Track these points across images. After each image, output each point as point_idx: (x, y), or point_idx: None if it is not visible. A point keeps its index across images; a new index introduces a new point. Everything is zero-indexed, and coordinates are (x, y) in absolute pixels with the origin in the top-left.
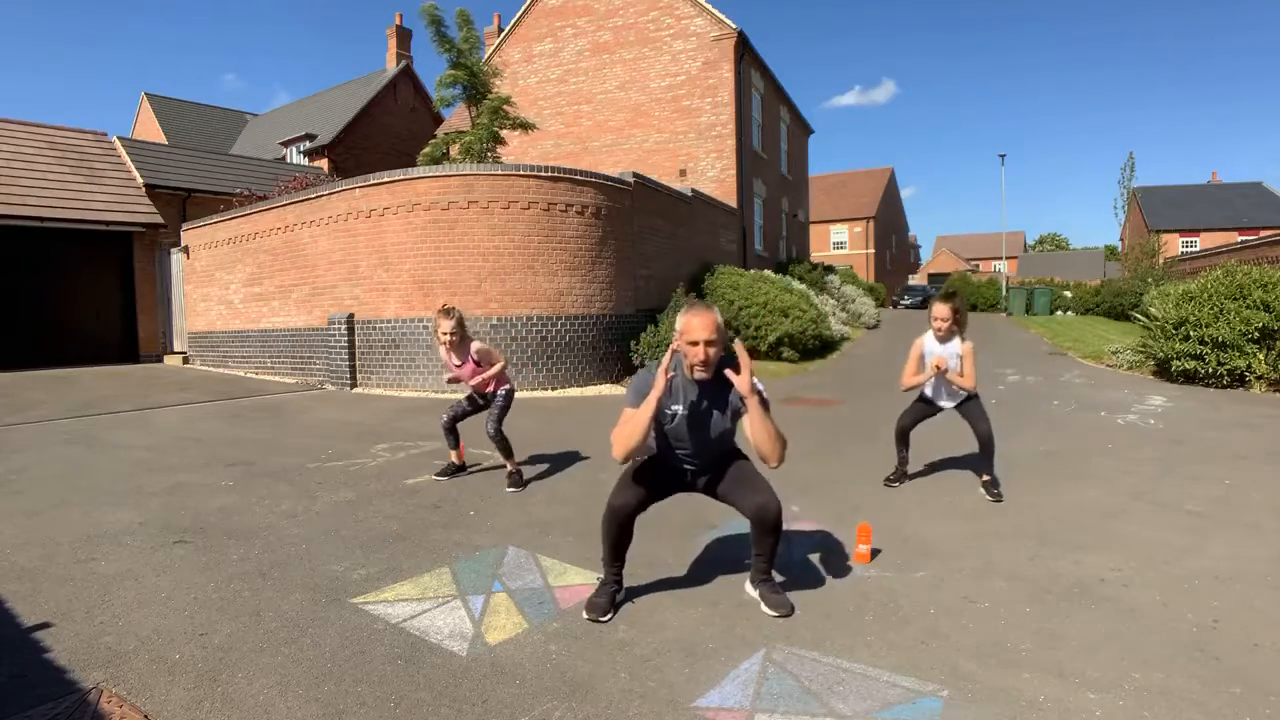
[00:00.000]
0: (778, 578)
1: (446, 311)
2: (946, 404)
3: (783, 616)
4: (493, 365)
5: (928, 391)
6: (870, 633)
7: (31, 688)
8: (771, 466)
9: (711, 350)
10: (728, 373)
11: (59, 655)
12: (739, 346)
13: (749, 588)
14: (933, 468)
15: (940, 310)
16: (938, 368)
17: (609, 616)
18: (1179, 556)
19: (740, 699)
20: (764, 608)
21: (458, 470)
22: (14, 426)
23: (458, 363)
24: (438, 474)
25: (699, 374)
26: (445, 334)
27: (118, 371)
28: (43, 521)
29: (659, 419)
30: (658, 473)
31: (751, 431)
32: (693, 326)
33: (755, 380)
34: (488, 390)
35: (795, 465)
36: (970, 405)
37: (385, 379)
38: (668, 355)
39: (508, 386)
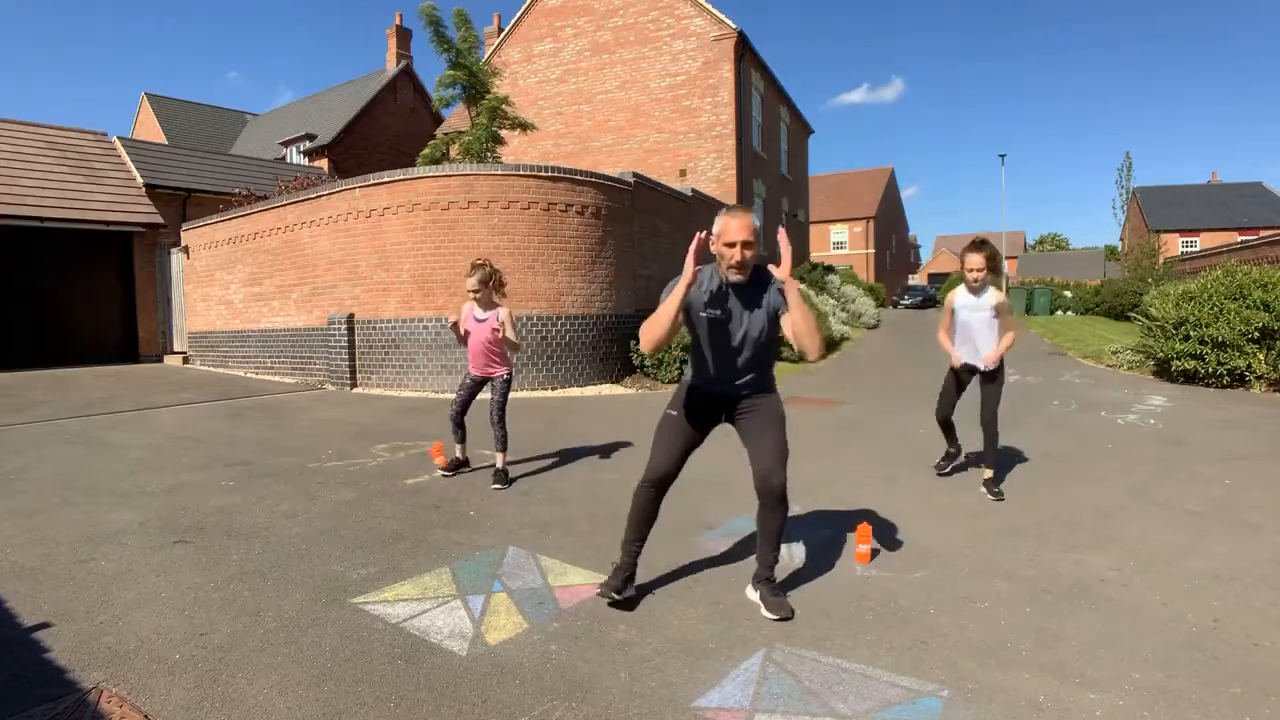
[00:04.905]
0: (779, 577)
1: (476, 266)
2: (978, 363)
3: (783, 620)
4: (510, 340)
5: (961, 356)
6: (870, 632)
7: (31, 688)
8: (811, 359)
9: (749, 252)
10: (771, 267)
11: (59, 655)
12: (781, 237)
13: (750, 590)
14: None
15: (973, 260)
16: (982, 360)
17: (617, 595)
18: (1179, 556)
19: (740, 699)
20: (764, 611)
21: (461, 465)
22: (14, 426)
23: (480, 318)
24: (443, 469)
25: (734, 276)
26: (470, 290)
27: (118, 371)
28: (43, 521)
29: (695, 322)
30: (691, 413)
31: (793, 320)
32: (731, 229)
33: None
34: (490, 370)
35: (795, 465)
36: (990, 386)
37: (385, 379)
38: (694, 242)
39: (509, 372)
